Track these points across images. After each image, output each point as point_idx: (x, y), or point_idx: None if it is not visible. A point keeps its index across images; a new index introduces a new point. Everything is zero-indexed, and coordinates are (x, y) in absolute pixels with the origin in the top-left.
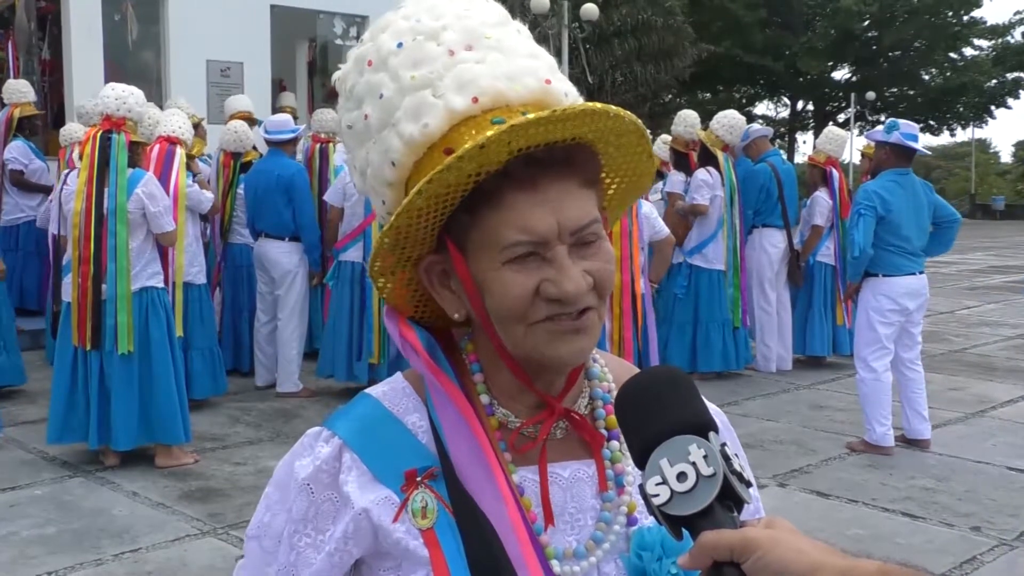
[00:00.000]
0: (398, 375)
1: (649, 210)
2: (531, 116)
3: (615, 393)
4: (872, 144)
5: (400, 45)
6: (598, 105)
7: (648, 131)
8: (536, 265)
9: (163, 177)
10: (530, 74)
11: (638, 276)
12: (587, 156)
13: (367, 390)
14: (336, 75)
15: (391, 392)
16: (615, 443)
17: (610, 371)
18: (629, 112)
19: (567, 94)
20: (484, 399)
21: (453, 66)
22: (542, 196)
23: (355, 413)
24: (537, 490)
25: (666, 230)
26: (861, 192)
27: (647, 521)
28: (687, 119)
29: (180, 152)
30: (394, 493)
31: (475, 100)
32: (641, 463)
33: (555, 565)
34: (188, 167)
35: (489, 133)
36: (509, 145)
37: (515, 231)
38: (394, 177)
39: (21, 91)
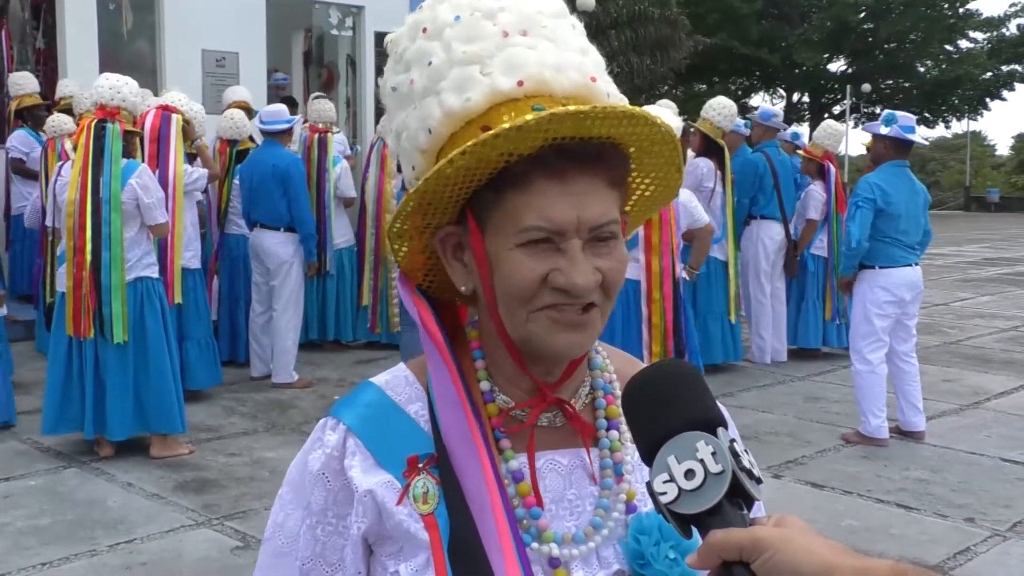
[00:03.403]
0: (401, 365)
1: (687, 198)
2: (572, 108)
3: (616, 383)
4: None
5: (457, 18)
6: (637, 109)
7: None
8: (549, 253)
9: (161, 141)
10: (577, 68)
11: (676, 262)
12: (618, 157)
13: (370, 379)
14: (389, 37)
15: (393, 381)
16: (615, 432)
17: (612, 362)
18: (667, 123)
19: (609, 94)
20: (485, 385)
21: (505, 47)
22: (569, 188)
23: (359, 400)
24: (538, 476)
25: (705, 218)
26: (861, 183)
27: (646, 508)
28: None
29: (176, 118)
30: (396, 479)
31: (520, 84)
32: (648, 460)
33: (553, 548)
34: (184, 133)
35: (528, 117)
36: (546, 133)
37: (536, 216)
38: (427, 145)
39: (18, 83)
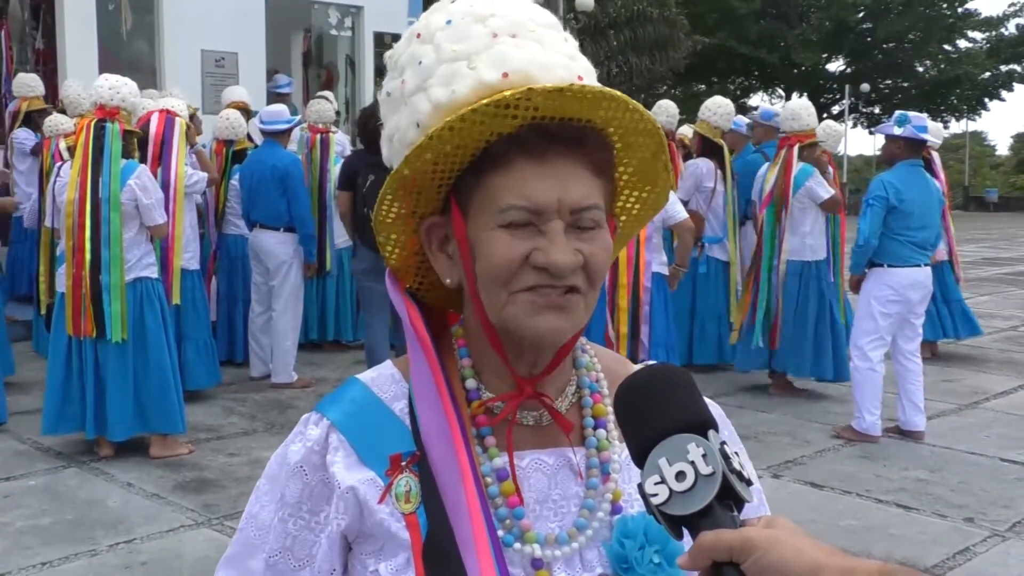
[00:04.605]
0: (387, 362)
1: None
2: (549, 85)
3: (603, 382)
4: None
5: (449, 22)
6: (616, 92)
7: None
8: (530, 234)
9: (164, 145)
10: (564, 68)
11: (643, 251)
12: (600, 142)
13: (356, 375)
14: (388, 52)
15: (380, 378)
16: (602, 431)
17: (600, 361)
18: (649, 112)
19: None
20: (471, 384)
21: (492, 46)
22: (549, 169)
23: (344, 397)
24: (522, 476)
25: (681, 215)
26: (875, 182)
27: (632, 510)
28: (668, 109)
29: (180, 122)
30: (379, 477)
31: (505, 75)
32: (640, 462)
33: (536, 549)
34: (187, 137)
35: (507, 93)
36: (524, 111)
37: (515, 196)
38: (417, 139)
39: (29, 85)
